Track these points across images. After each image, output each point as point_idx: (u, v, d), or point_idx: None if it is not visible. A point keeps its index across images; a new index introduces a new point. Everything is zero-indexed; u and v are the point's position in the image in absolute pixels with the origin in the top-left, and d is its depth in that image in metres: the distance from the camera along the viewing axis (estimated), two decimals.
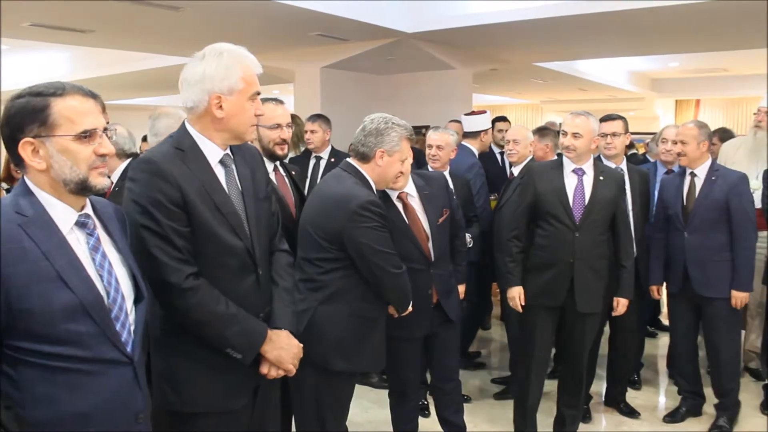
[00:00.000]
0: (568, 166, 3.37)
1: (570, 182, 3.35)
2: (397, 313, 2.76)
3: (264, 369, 2.04)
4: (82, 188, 1.55)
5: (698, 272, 3.62)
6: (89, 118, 1.55)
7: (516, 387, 3.60)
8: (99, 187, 1.58)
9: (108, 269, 1.60)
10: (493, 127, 6.13)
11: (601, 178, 3.36)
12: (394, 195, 2.92)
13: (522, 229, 3.42)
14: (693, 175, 3.71)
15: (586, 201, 3.31)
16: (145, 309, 1.71)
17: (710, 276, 3.61)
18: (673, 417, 3.93)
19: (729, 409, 3.82)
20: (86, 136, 1.54)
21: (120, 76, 10.38)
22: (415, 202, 2.97)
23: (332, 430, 2.60)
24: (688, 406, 3.94)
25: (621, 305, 3.44)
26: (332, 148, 5.11)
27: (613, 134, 3.80)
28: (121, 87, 12.25)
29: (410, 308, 2.76)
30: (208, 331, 1.92)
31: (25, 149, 1.52)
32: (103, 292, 1.56)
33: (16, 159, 1.54)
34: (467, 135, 4.92)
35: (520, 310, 3.40)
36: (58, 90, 1.54)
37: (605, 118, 3.89)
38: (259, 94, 2.01)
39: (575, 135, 3.30)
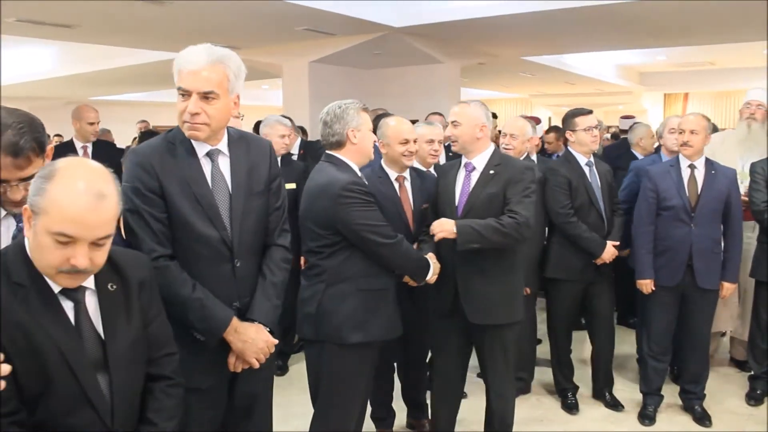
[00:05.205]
0: (463, 162, 3.08)
1: (459, 180, 3.05)
2: (416, 282, 2.92)
3: (231, 359, 2.11)
4: None
5: (702, 265, 3.61)
6: None
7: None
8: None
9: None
10: None
11: (492, 172, 2.96)
12: (393, 176, 3.25)
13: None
14: (693, 167, 3.65)
15: (465, 199, 2.99)
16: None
17: (711, 268, 3.64)
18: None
19: (702, 397, 3.85)
20: None
21: (107, 71, 10.34)
22: (408, 186, 3.30)
23: (350, 403, 2.71)
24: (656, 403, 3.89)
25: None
26: (300, 140, 5.31)
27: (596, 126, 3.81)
28: (109, 82, 12.20)
29: (432, 275, 2.85)
30: (172, 311, 1.96)
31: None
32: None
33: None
34: None
35: None
36: None
37: (585, 112, 3.86)
38: (180, 89, 2.01)
39: (454, 123, 3.01)
